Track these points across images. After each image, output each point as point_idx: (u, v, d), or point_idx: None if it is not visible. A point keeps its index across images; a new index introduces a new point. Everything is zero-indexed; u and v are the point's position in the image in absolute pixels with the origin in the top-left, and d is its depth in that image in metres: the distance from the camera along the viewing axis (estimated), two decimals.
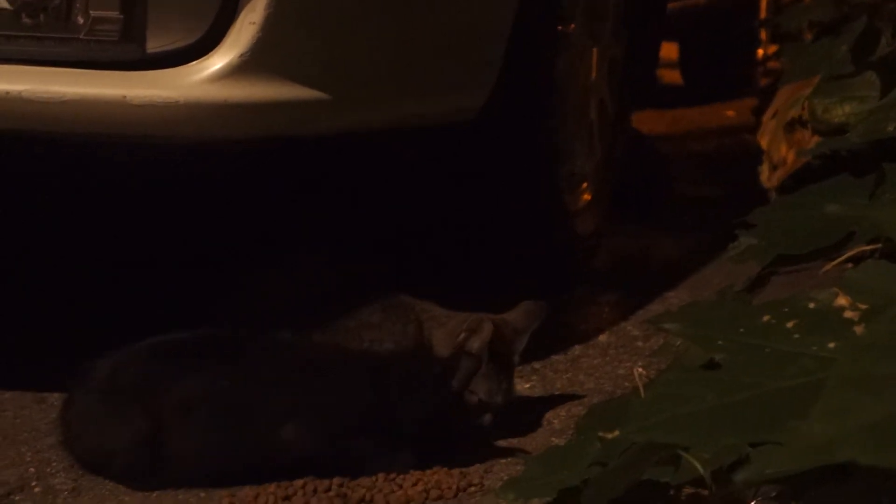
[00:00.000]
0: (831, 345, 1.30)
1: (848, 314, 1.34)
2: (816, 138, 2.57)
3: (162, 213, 3.15)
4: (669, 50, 5.55)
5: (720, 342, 1.32)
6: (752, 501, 1.72)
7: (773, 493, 1.74)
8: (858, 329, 1.32)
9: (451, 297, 2.20)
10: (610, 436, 1.57)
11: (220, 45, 1.85)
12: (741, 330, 1.33)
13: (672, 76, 5.74)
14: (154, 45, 1.85)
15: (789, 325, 1.32)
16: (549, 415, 2.15)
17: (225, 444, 1.85)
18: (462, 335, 2.01)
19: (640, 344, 2.49)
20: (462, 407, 1.96)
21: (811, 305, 1.36)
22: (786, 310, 1.34)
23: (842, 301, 1.35)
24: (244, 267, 2.29)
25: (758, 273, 2.06)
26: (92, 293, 2.64)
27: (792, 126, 2.83)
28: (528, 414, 2.14)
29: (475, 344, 2.00)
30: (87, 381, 1.88)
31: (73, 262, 2.84)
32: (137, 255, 2.88)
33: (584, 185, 2.81)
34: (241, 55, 1.84)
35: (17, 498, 1.82)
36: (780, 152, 2.87)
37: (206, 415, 1.84)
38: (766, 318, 1.34)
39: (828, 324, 1.33)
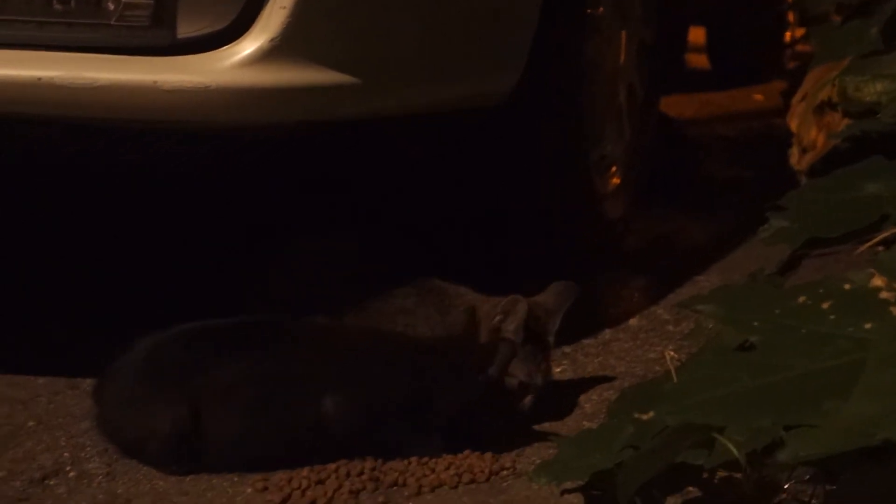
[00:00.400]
0: (868, 326, 1.29)
1: (884, 295, 1.33)
2: (847, 121, 2.55)
3: (186, 199, 3.16)
4: (696, 34, 5.52)
5: (755, 324, 1.32)
6: (786, 484, 1.72)
7: (808, 476, 1.74)
8: (895, 310, 1.31)
9: (480, 282, 2.20)
10: (645, 417, 1.57)
11: (250, 30, 1.85)
12: (776, 311, 1.33)
13: (699, 60, 5.71)
14: (185, 31, 1.85)
15: (825, 306, 1.32)
16: (580, 398, 2.15)
17: (262, 429, 1.85)
18: (497, 317, 2.02)
19: (670, 328, 2.49)
20: (501, 392, 1.96)
21: (847, 287, 1.36)
22: (821, 291, 1.34)
23: (878, 282, 1.34)
24: (272, 251, 2.29)
25: (789, 256, 2.05)
26: (125, 278, 2.65)
27: (822, 109, 2.82)
28: (559, 398, 2.14)
29: (511, 326, 2.00)
30: (122, 365, 1.89)
31: (104, 248, 2.85)
32: (167, 241, 2.89)
33: (614, 168, 2.80)
34: (272, 40, 1.84)
35: (52, 482, 1.83)
36: (809, 135, 2.86)
37: (243, 399, 1.84)
38: (801, 299, 1.33)
39: (864, 305, 1.33)
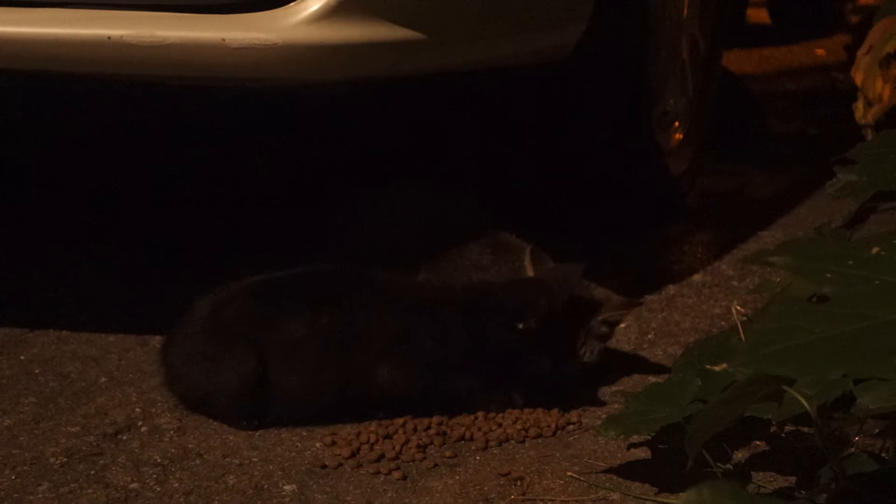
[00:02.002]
0: None
1: None
2: None
3: (253, 155, 3.18)
4: None
5: (828, 275, 1.31)
6: (855, 438, 1.71)
7: (877, 430, 1.73)
8: None
9: (543, 236, 2.20)
10: (717, 368, 1.57)
11: None
12: (849, 262, 1.31)
13: (759, 15, 5.65)
14: None
15: None
16: (645, 354, 2.15)
17: (326, 382, 1.86)
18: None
19: (734, 283, 2.48)
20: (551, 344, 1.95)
21: None
22: (895, 242, 1.32)
23: None
24: (348, 203, 2.30)
25: (857, 209, 2.03)
26: (189, 234, 2.67)
27: (887, 61, 2.78)
28: (624, 353, 2.15)
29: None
30: (188, 321, 1.90)
31: (171, 206, 2.87)
32: (234, 197, 2.91)
33: (676, 124, 2.78)
34: None
35: (124, 437, 1.86)
36: (875, 88, 2.82)
37: (305, 354, 1.85)
38: (875, 250, 1.32)
39: None
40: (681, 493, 1.67)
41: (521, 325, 1.89)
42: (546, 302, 1.91)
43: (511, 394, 1.93)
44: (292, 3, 1.84)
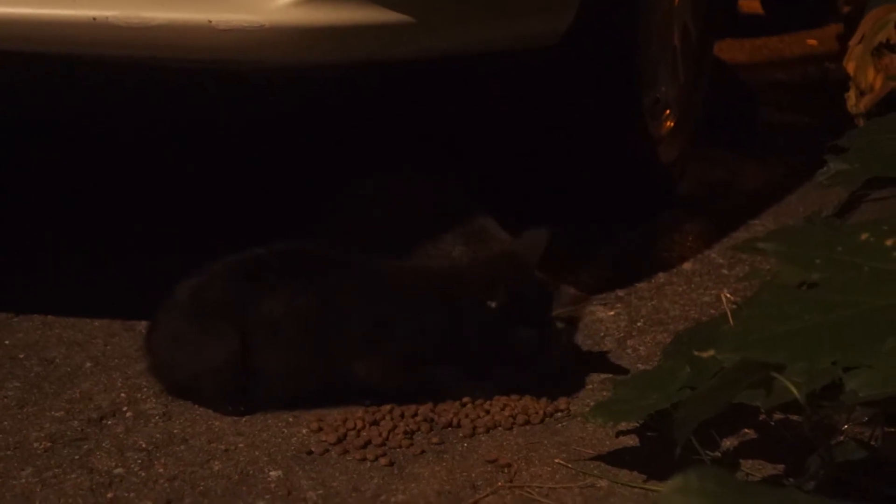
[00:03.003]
0: None
1: None
2: None
3: (236, 141, 3.17)
4: None
5: (817, 261, 1.30)
6: (844, 426, 1.70)
7: (866, 418, 1.72)
8: None
9: (532, 225, 2.19)
10: (705, 355, 1.56)
11: None
12: (839, 248, 1.31)
13: (751, 5, 5.64)
14: None
15: (888, 243, 1.30)
16: (634, 342, 2.14)
17: (307, 364, 1.85)
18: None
19: (724, 271, 2.47)
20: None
21: None
22: (885, 228, 1.32)
23: None
24: (331, 189, 2.29)
25: (848, 197, 2.02)
26: (173, 218, 2.66)
27: (879, 51, 2.78)
28: (613, 341, 2.14)
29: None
30: (170, 304, 1.89)
31: (155, 190, 2.86)
32: (216, 182, 2.89)
33: (668, 112, 2.77)
34: None
35: (109, 422, 1.84)
36: (867, 78, 2.82)
37: (288, 333, 1.83)
38: (864, 236, 1.31)
39: None
40: (668, 481, 1.67)
41: (493, 304, 1.87)
42: (514, 274, 1.89)
43: (497, 379, 1.91)
44: None
